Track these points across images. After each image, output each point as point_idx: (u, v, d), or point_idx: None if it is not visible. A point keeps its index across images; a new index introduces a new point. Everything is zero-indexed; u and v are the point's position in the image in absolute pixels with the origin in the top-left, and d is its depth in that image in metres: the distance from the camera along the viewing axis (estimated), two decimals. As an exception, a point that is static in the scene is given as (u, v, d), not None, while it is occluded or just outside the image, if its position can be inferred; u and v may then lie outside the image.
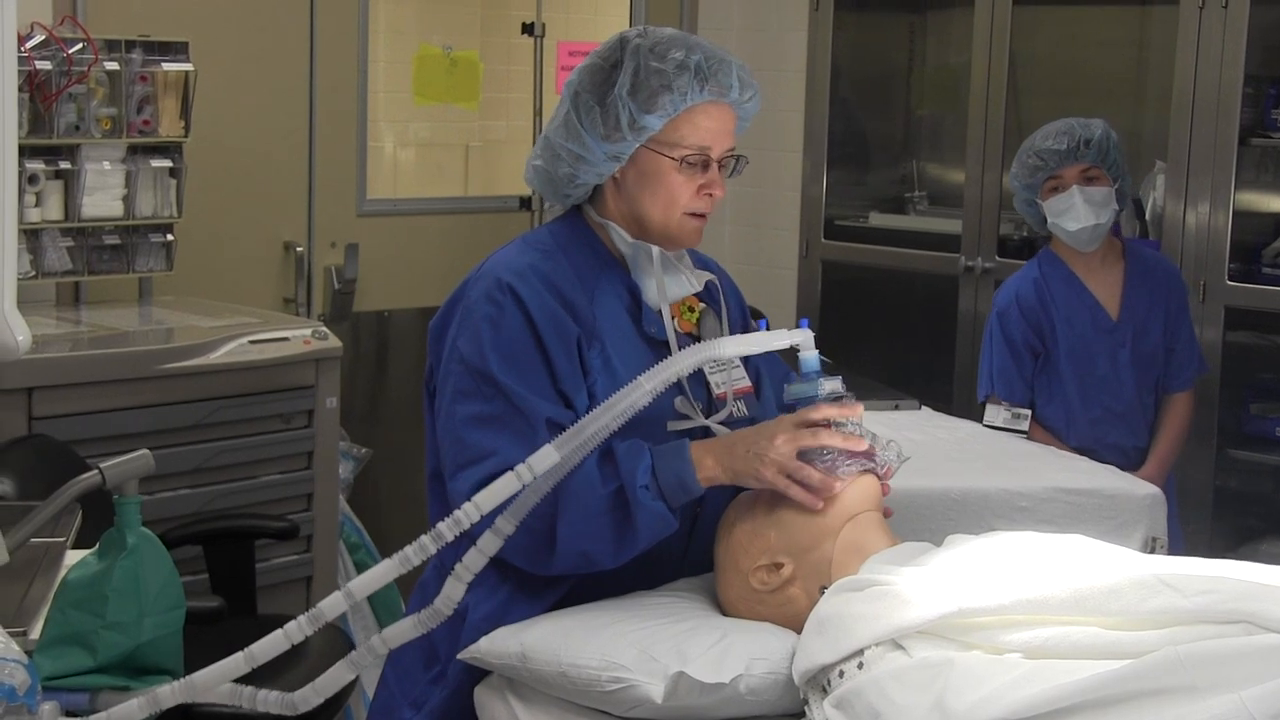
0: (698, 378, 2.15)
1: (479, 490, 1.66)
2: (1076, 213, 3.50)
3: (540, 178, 2.20)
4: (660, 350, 2.11)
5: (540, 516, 1.89)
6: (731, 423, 2.14)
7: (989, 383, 3.66)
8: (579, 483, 1.94)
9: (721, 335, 2.18)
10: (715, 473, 1.99)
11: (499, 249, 2.19)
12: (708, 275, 2.23)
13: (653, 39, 2.12)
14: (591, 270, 2.14)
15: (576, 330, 2.06)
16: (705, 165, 2.12)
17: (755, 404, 2.23)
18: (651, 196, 2.12)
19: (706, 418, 2.12)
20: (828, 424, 1.98)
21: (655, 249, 2.14)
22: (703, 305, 2.23)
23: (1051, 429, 3.58)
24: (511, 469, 1.65)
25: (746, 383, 2.21)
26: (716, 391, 2.16)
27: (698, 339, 2.19)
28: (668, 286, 2.14)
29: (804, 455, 1.97)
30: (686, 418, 2.10)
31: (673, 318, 2.15)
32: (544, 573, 2.03)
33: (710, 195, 2.12)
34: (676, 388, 2.09)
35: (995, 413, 3.60)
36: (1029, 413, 3.58)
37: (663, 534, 2.00)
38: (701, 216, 2.14)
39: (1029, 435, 3.53)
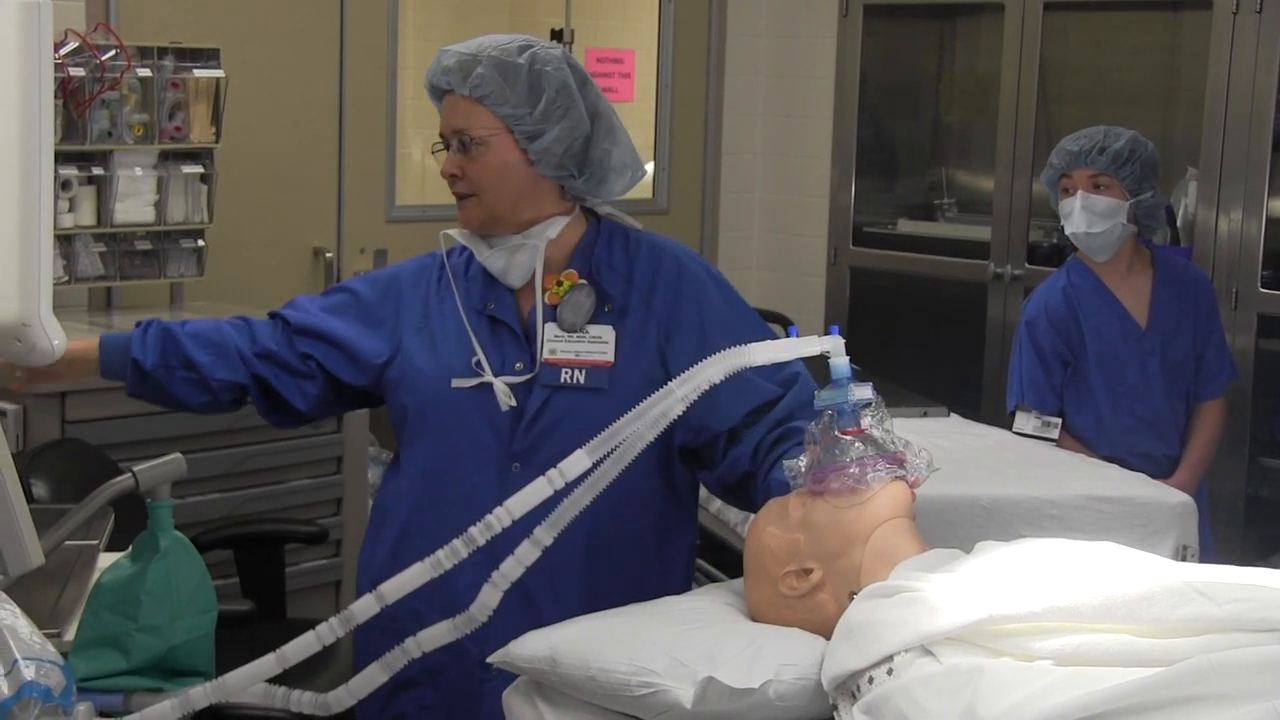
0: (515, 337, 2.30)
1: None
2: (1074, 219, 3.50)
3: None
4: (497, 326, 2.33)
5: None
6: (556, 387, 2.26)
7: (1019, 392, 3.65)
8: None
9: (575, 305, 2.30)
10: None
11: None
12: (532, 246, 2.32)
13: None
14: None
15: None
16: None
17: (601, 376, 2.27)
18: None
19: (529, 373, 2.27)
20: None
21: (475, 237, 2.37)
22: (581, 281, 2.32)
23: (1081, 438, 3.57)
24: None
25: (604, 357, 2.29)
26: (544, 356, 2.28)
27: (545, 311, 2.31)
28: (497, 264, 2.34)
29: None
30: (478, 375, 2.28)
31: (546, 290, 2.31)
32: None
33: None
34: (471, 349, 2.30)
35: (1025, 421, 3.59)
36: (1059, 421, 3.57)
37: None
38: (458, 197, 2.33)
39: (1058, 444, 3.52)
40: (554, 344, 2.29)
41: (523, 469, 2.21)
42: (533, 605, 2.21)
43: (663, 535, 2.36)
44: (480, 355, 2.29)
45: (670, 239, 2.42)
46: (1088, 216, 3.48)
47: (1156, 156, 3.54)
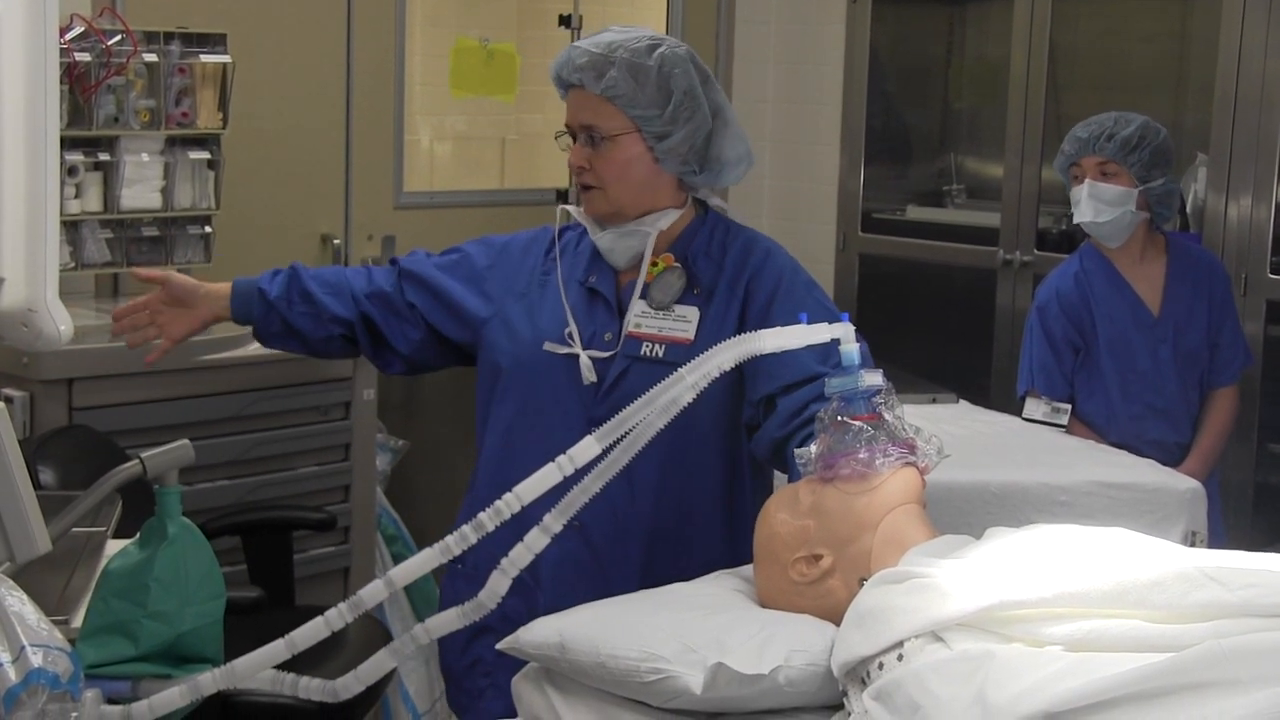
0: (609, 309, 2.45)
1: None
2: (1081, 207, 3.50)
3: None
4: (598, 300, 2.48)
5: None
6: (639, 359, 2.39)
7: (1029, 377, 3.64)
8: None
9: (665, 286, 2.43)
10: None
11: None
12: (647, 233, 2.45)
13: None
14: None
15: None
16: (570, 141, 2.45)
17: (681, 353, 2.36)
18: None
19: (614, 349, 2.41)
20: None
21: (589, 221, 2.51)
22: (676, 264, 2.45)
23: (1092, 424, 3.56)
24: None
25: (685, 335, 2.41)
26: (628, 328, 2.41)
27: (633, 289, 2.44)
28: (607, 247, 2.48)
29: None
30: (568, 345, 2.43)
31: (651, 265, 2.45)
32: None
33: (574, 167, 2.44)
34: (565, 320, 2.45)
35: (1035, 407, 3.58)
36: (1069, 407, 3.56)
37: None
38: (583, 189, 2.45)
39: (1068, 430, 3.51)
40: (640, 319, 2.43)
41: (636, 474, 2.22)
42: (603, 573, 2.33)
43: (729, 516, 2.45)
44: (573, 327, 2.44)
45: (768, 237, 2.57)
46: (1094, 205, 3.47)
47: (1169, 143, 3.52)
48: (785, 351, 1.87)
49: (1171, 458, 3.44)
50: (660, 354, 2.41)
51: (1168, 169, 3.50)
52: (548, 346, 2.45)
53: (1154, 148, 3.47)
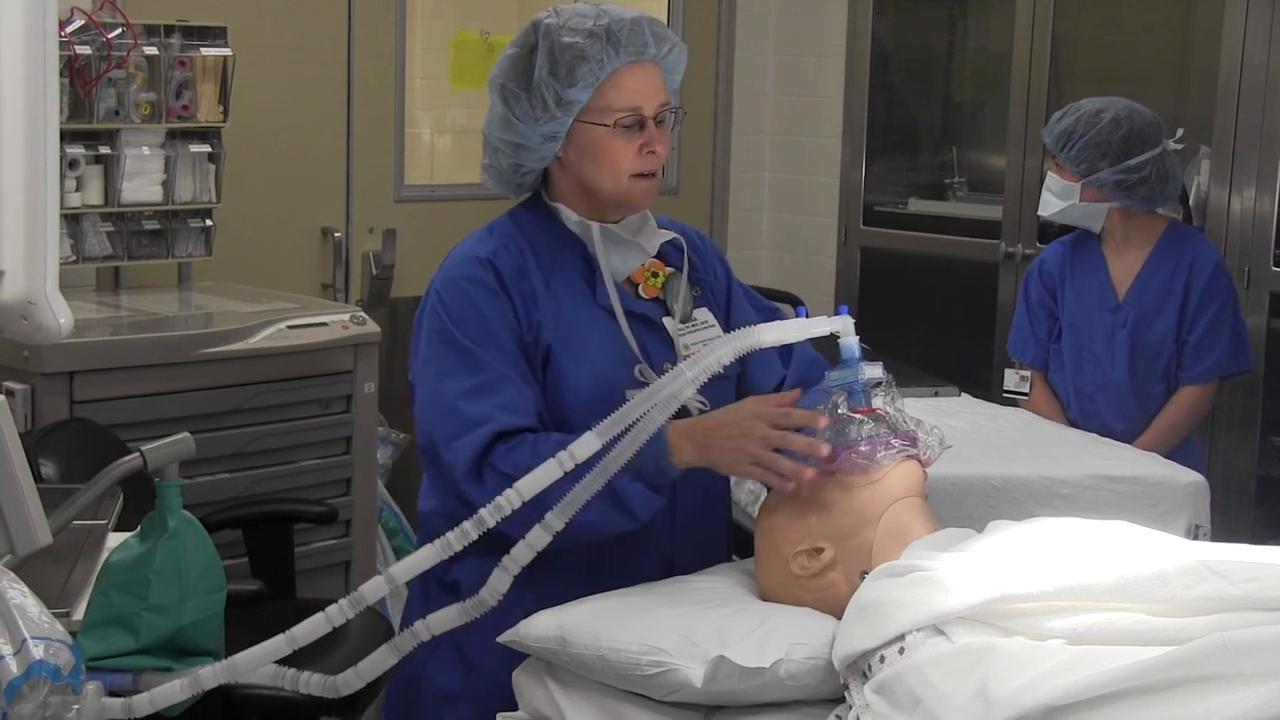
0: (665, 339, 2.18)
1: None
2: (1040, 200, 3.53)
3: (491, 175, 2.26)
4: (613, 320, 2.16)
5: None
6: (705, 384, 2.15)
7: (1009, 340, 3.70)
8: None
9: (681, 296, 2.23)
10: (692, 459, 2.02)
11: (466, 237, 2.24)
12: (665, 235, 2.24)
13: (563, 16, 2.15)
14: (549, 250, 2.18)
15: (529, 317, 2.12)
16: (641, 124, 2.13)
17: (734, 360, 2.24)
18: (596, 167, 2.14)
19: None
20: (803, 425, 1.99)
21: (596, 227, 2.17)
22: (669, 270, 2.25)
23: (1060, 397, 3.58)
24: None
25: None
26: (683, 354, 2.17)
27: (663, 303, 2.23)
28: (615, 258, 2.18)
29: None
30: (646, 385, 2.08)
31: (637, 285, 2.21)
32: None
33: (652, 153, 2.14)
34: (636, 355, 2.14)
35: (1010, 377, 3.64)
36: (1029, 374, 3.60)
37: (655, 507, 2.03)
38: (650, 176, 2.15)
39: (1029, 397, 3.54)
40: (682, 338, 2.19)
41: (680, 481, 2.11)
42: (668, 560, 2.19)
43: None
44: (643, 363, 2.14)
45: None
46: (1045, 196, 3.53)
47: (1117, 133, 3.33)
48: (758, 356, 1.82)
49: None
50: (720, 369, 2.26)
51: (1115, 160, 3.38)
52: (630, 394, 2.07)
53: (1086, 141, 3.37)
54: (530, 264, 2.15)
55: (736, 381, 2.26)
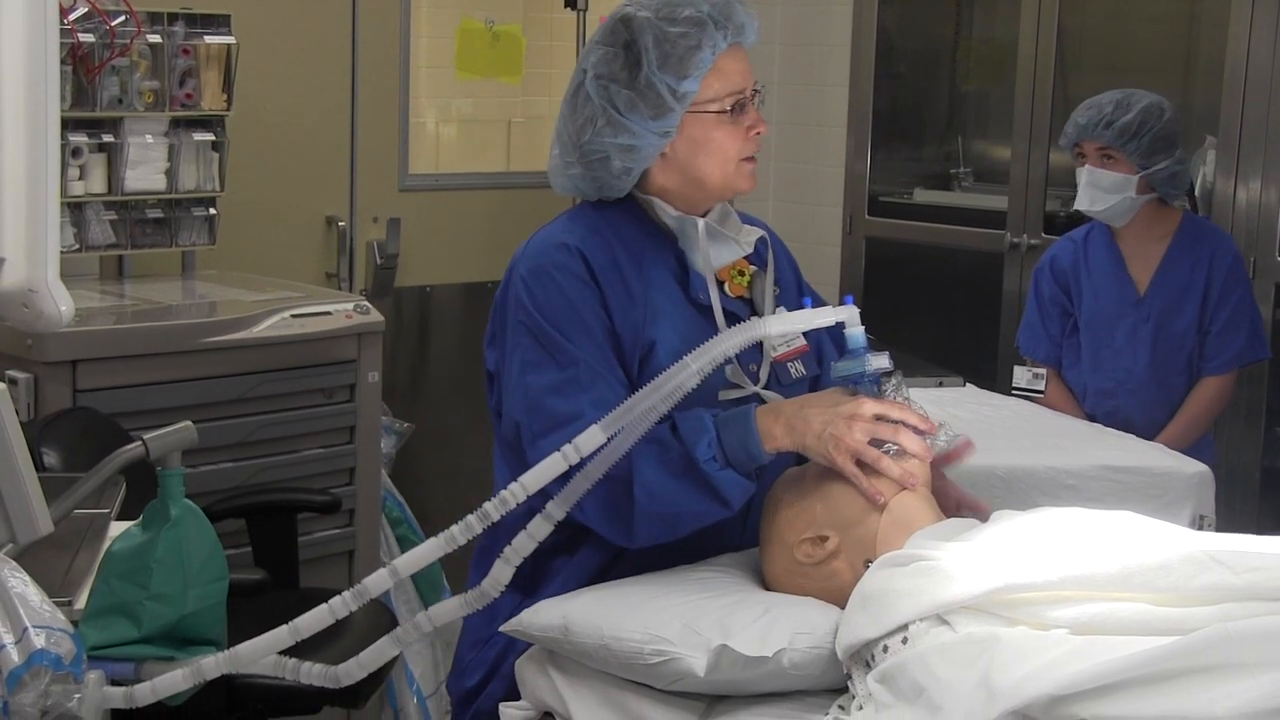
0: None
1: None
2: (1080, 194, 3.48)
3: (585, 185, 2.17)
4: (710, 317, 2.12)
5: (617, 481, 1.90)
6: (788, 385, 2.15)
7: (1019, 338, 3.68)
8: (652, 451, 1.94)
9: (768, 295, 2.19)
10: (784, 443, 1.97)
11: (546, 224, 2.18)
12: (757, 232, 2.23)
13: (653, 6, 2.09)
14: (638, 242, 2.14)
15: (623, 312, 2.06)
16: (743, 108, 2.12)
17: (811, 361, 2.23)
18: (708, 157, 2.12)
19: (756, 384, 2.12)
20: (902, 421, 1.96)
21: (700, 222, 2.14)
22: (753, 268, 2.22)
23: (1075, 394, 3.57)
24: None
25: (802, 341, 2.21)
26: (774, 354, 2.16)
27: (749, 301, 2.20)
28: (713, 254, 2.14)
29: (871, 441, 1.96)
30: (738, 387, 2.10)
31: (721, 283, 2.16)
32: (626, 542, 2.02)
33: (758, 134, 2.13)
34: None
35: (1020, 375, 3.60)
36: (1044, 372, 3.57)
37: (747, 493, 2.00)
38: (753, 159, 2.14)
39: (1045, 395, 3.53)
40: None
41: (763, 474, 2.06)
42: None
43: None
44: (735, 364, 2.09)
45: None
46: (1092, 192, 3.46)
47: (1175, 124, 3.46)
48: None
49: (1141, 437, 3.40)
50: (802, 371, 2.20)
51: (1172, 151, 3.45)
52: (723, 395, 2.08)
53: (1155, 133, 3.41)
54: (621, 258, 2.10)
55: (810, 386, 2.23)
